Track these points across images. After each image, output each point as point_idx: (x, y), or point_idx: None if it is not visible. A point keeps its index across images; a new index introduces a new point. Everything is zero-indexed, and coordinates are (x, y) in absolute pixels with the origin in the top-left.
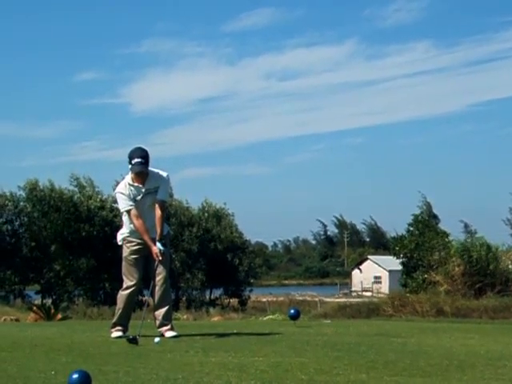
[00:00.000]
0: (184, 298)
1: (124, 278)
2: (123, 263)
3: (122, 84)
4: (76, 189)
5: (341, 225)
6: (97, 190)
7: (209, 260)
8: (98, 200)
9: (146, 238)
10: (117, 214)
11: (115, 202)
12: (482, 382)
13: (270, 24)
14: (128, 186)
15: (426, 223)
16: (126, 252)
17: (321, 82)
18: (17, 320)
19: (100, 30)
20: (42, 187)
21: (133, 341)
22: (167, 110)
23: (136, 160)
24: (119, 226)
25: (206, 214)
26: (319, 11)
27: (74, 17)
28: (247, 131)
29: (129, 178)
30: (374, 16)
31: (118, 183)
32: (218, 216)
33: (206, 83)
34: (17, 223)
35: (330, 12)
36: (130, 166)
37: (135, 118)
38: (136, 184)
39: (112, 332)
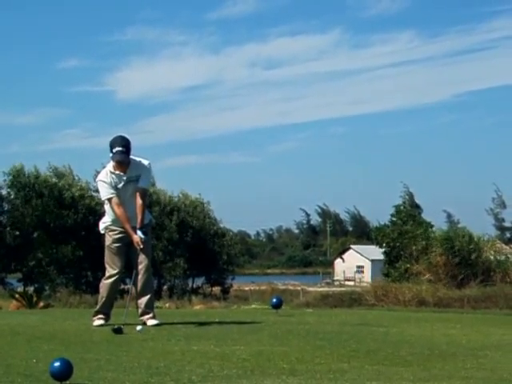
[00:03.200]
0: (166, 287)
1: (107, 266)
2: (106, 252)
3: (106, 72)
4: (55, 179)
5: (324, 214)
6: (76, 178)
7: (189, 248)
8: (78, 188)
9: (127, 226)
10: (99, 202)
11: (97, 190)
12: (463, 371)
13: (255, 12)
14: (109, 173)
15: (408, 213)
16: (108, 241)
17: (305, 70)
18: None
19: (84, 17)
20: (26, 174)
21: (118, 331)
22: (151, 99)
23: (117, 149)
24: (102, 215)
25: (184, 205)
26: (304, 0)
27: (58, 4)
28: (231, 120)
29: (110, 166)
30: (358, 5)
31: (98, 172)
32: (195, 206)
33: (190, 72)
34: None
35: (314, 1)
36: (110, 155)
37: (119, 106)
38: (117, 172)
39: (94, 320)
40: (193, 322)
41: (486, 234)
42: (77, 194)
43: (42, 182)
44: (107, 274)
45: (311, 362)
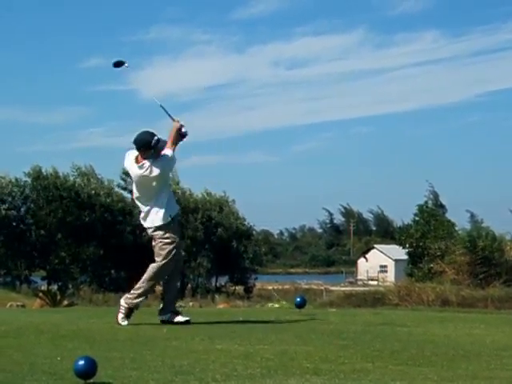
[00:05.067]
0: (190, 286)
1: None
2: None
3: (129, 71)
4: (78, 179)
5: (347, 213)
6: (100, 176)
7: (214, 247)
8: (93, 186)
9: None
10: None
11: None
12: (487, 371)
13: (279, 12)
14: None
15: (431, 213)
16: None
17: (329, 70)
18: (23, 306)
19: (108, 16)
20: (45, 174)
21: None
22: (175, 98)
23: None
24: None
25: (208, 204)
26: None
27: (82, 3)
28: (255, 119)
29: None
30: (382, 4)
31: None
32: (220, 204)
33: (213, 71)
34: (23, 209)
35: (338, 0)
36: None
37: (142, 105)
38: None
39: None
40: (216, 322)
41: (508, 233)
42: (92, 192)
43: (61, 183)
44: None
45: (335, 361)
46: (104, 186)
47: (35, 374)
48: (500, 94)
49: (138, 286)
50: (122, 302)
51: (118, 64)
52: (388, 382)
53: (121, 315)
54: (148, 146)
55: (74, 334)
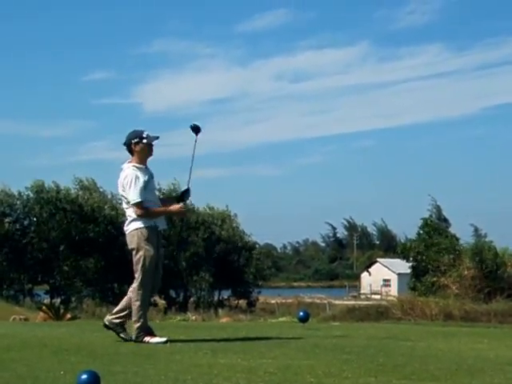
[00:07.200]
0: (192, 299)
1: None
2: None
3: (133, 84)
4: (80, 192)
5: (351, 227)
6: (101, 189)
7: (216, 261)
8: (96, 200)
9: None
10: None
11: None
12: None
13: (282, 25)
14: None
15: (435, 226)
16: None
17: (332, 84)
18: (26, 319)
19: (111, 29)
20: (48, 189)
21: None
22: (178, 111)
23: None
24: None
25: (211, 218)
26: (331, 13)
27: (85, 16)
28: (258, 133)
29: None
30: (386, 18)
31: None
32: (222, 218)
33: (217, 84)
34: (26, 223)
35: (341, 14)
36: (144, 141)
37: (146, 118)
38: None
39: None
40: (220, 336)
41: (510, 248)
42: (95, 206)
43: (63, 197)
44: None
45: (338, 375)
46: (107, 199)
47: None
48: (504, 107)
49: (134, 312)
50: (137, 339)
51: (196, 129)
52: None
53: (147, 339)
54: (140, 137)
55: (77, 348)
